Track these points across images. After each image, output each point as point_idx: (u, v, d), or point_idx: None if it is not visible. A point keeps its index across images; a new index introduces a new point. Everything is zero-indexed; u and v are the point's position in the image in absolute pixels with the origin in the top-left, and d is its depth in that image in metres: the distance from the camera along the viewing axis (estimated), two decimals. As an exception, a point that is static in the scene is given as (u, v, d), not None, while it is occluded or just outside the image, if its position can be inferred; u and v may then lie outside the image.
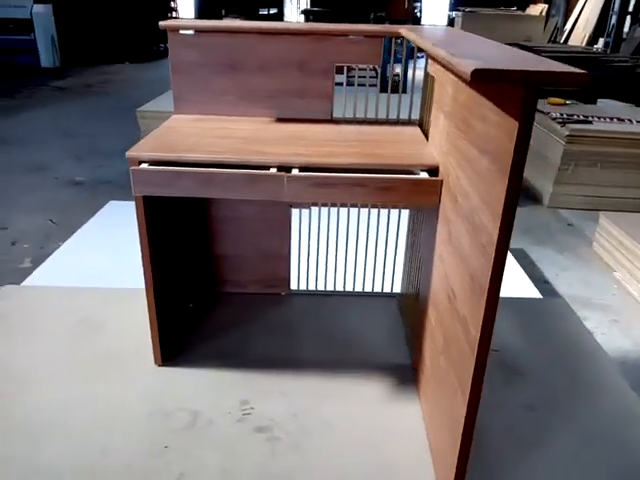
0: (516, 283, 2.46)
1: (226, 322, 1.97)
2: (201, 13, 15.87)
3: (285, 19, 16.90)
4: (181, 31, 1.73)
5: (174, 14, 15.77)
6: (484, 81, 0.85)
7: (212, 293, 2.14)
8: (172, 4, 15.74)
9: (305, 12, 15.44)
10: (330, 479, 1.35)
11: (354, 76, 1.81)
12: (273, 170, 1.40)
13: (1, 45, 9.75)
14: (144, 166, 1.41)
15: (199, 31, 1.74)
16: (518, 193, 0.88)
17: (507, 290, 2.28)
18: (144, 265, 1.58)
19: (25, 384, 1.64)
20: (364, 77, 1.90)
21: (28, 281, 2.37)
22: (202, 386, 1.66)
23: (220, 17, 12.10)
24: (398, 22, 5.74)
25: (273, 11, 16.31)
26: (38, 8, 10.58)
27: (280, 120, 1.80)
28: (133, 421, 1.52)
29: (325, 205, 1.95)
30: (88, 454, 1.40)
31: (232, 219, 2.04)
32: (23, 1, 10.37)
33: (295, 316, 2.04)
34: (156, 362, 1.73)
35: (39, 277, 2.40)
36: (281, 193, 1.39)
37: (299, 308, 2.09)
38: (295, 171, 1.39)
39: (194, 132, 1.64)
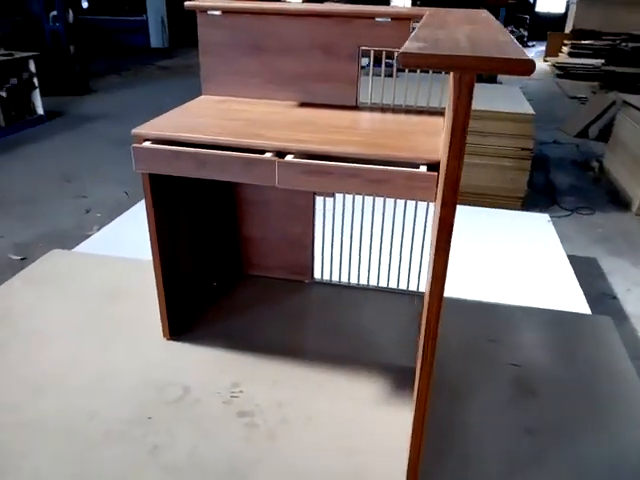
0: (566, 295, 2.26)
1: (244, 304, 1.98)
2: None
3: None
4: (209, 12, 1.74)
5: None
6: (414, 65, 0.77)
7: (237, 274, 2.16)
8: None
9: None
10: (291, 474, 1.32)
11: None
12: (268, 155, 1.37)
13: (116, 25, 10.43)
14: (146, 144, 1.44)
15: (225, 12, 1.73)
16: (452, 198, 0.79)
17: (552, 302, 2.12)
18: (151, 239, 1.62)
19: (39, 340, 1.75)
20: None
21: (79, 247, 2.53)
22: (201, 364, 1.69)
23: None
24: (494, 7, 5.43)
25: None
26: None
27: (302, 105, 1.76)
28: (126, 389, 1.57)
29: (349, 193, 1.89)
30: (74, 414, 1.47)
31: (260, 202, 2.04)
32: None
33: (311, 306, 2.02)
34: (164, 336, 1.78)
35: (90, 245, 2.55)
36: (273, 179, 1.36)
37: (317, 298, 2.05)
38: (289, 157, 1.35)
39: (208, 113, 1.65)
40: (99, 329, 1.82)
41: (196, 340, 1.79)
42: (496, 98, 4.10)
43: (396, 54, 0.90)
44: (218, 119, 1.59)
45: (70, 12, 6.83)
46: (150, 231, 1.61)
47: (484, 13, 1.50)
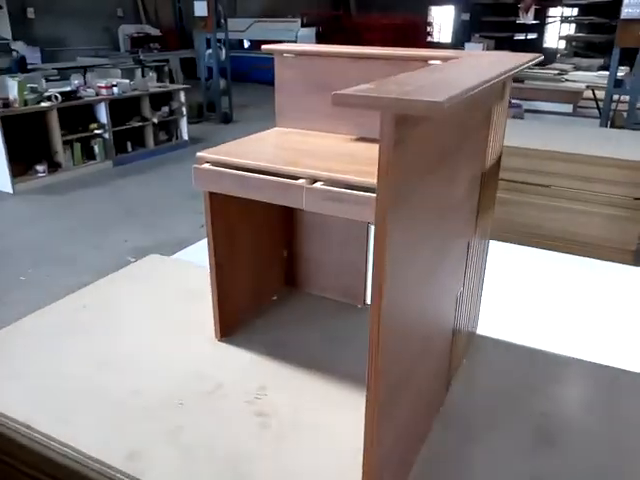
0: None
1: (293, 318, 2.14)
2: (457, 37, 16.04)
3: (545, 45, 16.07)
4: (284, 54, 1.97)
5: (429, 38, 16.25)
6: (345, 105, 0.87)
7: (294, 290, 2.33)
8: (429, 28, 16.25)
9: (567, 38, 14.48)
10: (286, 472, 1.43)
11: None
12: (301, 181, 1.53)
13: (262, 62, 11.36)
14: (205, 165, 1.68)
15: (298, 54, 1.94)
16: (383, 218, 0.89)
17: (620, 359, 1.98)
18: (208, 249, 1.85)
19: (117, 326, 2.06)
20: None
21: (177, 254, 2.88)
22: (239, 365, 1.87)
23: (469, 40, 12.11)
24: (629, 49, 5.13)
25: (531, 36, 15.66)
26: (304, 31, 12.01)
27: (359, 139, 1.91)
28: (171, 376, 1.80)
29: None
30: (123, 389, 1.72)
31: (319, 225, 2.20)
32: (292, 26, 11.92)
33: (358, 329, 2.11)
34: (216, 336, 2.00)
35: (186, 253, 2.89)
36: (301, 202, 1.52)
37: (364, 323, 2.14)
38: (318, 184, 1.50)
39: (269, 142, 1.86)
40: (167, 323, 2.09)
41: (242, 344, 1.97)
42: (607, 142, 3.88)
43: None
44: (274, 147, 1.79)
45: (223, 50, 7.65)
46: (208, 241, 1.84)
47: (521, 56, 1.55)
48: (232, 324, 2.02)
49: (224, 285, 1.94)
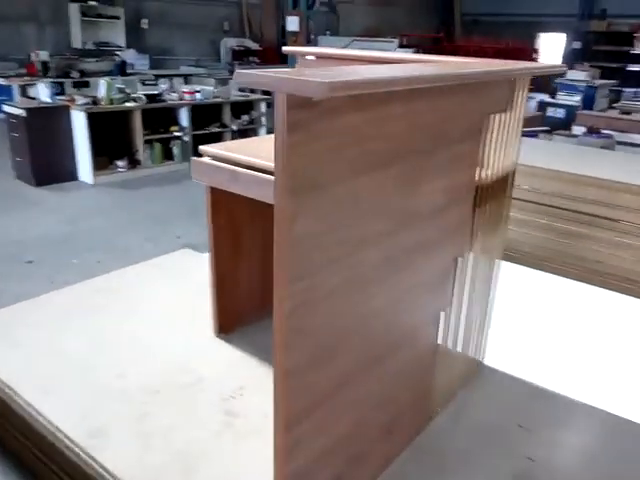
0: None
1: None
2: (567, 59, 15.35)
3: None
4: (306, 57, 1.96)
5: (535, 55, 15.69)
6: (245, 84, 0.84)
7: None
8: (534, 55, 15.73)
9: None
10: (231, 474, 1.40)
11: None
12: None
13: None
14: (204, 159, 1.70)
15: (319, 57, 1.93)
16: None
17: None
18: (209, 248, 1.87)
19: (132, 308, 2.12)
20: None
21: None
22: (226, 362, 1.86)
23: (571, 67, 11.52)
24: None
25: (648, 68, 14.59)
26: (400, 52, 11.98)
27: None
28: (159, 363, 1.82)
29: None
30: (109, 369, 1.77)
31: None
32: (389, 46, 11.91)
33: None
34: (214, 332, 2.00)
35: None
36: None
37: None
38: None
39: (277, 142, 1.84)
40: (173, 314, 2.12)
41: (236, 342, 1.96)
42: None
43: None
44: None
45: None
46: (208, 237, 1.86)
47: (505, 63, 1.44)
48: (232, 322, 2.02)
49: (225, 283, 1.94)
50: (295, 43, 7.59)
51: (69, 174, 5.17)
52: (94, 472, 1.41)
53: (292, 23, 7.38)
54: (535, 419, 1.67)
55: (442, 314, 1.50)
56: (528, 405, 1.74)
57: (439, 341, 1.59)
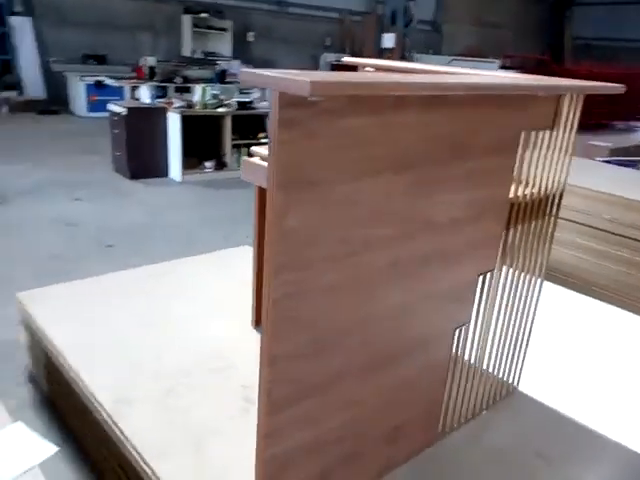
0: None
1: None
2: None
3: None
4: (365, 68, 2.01)
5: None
6: (247, 83, 0.89)
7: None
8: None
9: None
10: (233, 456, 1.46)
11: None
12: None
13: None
14: (252, 159, 1.80)
15: (377, 69, 1.98)
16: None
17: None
18: (253, 245, 1.97)
19: (179, 295, 2.26)
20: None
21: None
22: (256, 354, 1.92)
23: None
24: None
25: None
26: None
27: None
28: (195, 348, 1.93)
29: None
30: (150, 350, 1.90)
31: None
32: (489, 66, 11.63)
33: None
34: (252, 324, 2.09)
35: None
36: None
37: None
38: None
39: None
40: (218, 304, 2.24)
41: (272, 339, 2.03)
42: None
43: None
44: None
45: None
46: (254, 234, 1.96)
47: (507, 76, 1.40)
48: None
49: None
50: (389, 60, 7.65)
51: (160, 170, 5.54)
52: (114, 435, 1.54)
53: (388, 40, 7.46)
54: (557, 450, 1.60)
55: (466, 331, 1.49)
56: (553, 435, 1.67)
57: (465, 357, 1.58)
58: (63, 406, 2.03)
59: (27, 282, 2.77)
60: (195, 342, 1.98)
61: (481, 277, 1.49)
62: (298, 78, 0.84)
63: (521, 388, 1.88)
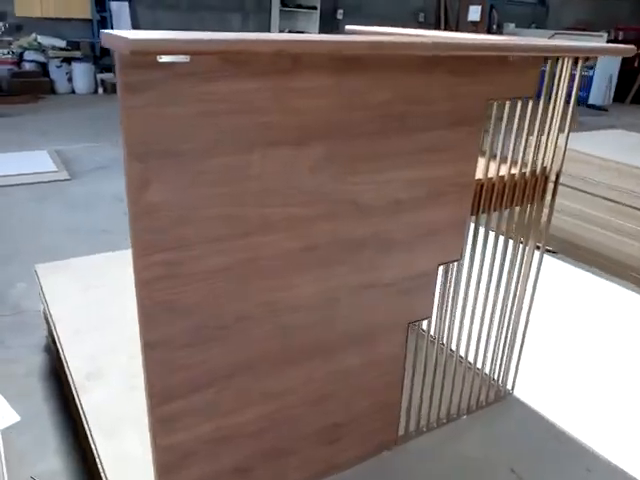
0: None
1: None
2: None
3: None
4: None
5: None
6: (107, 45, 0.81)
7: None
8: None
9: None
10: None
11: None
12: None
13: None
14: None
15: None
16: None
17: None
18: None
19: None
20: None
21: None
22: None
23: None
24: None
25: None
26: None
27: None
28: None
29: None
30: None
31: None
32: (595, 40, 10.66)
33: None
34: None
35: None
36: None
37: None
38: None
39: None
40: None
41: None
42: None
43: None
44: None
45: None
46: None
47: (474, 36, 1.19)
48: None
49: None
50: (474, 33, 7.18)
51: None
52: (76, 409, 1.56)
53: (473, 12, 7.01)
54: (537, 466, 1.41)
55: (428, 326, 1.34)
56: (536, 449, 1.47)
57: (434, 355, 1.42)
58: (62, 377, 2.10)
59: (78, 254, 2.87)
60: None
61: (442, 268, 1.32)
62: (122, 35, 0.75)
63: (519, 393, 1.68)
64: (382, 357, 1.32)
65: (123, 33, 0.78)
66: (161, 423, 1.05)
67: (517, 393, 1.68)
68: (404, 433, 1.48)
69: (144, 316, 0.97)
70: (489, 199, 1.33)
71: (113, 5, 9.30)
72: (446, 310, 1.41)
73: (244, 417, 1.16)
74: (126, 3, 9.47)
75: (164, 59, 0.82)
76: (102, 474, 1.29)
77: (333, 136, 1.03)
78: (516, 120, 1.31)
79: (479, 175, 1.29)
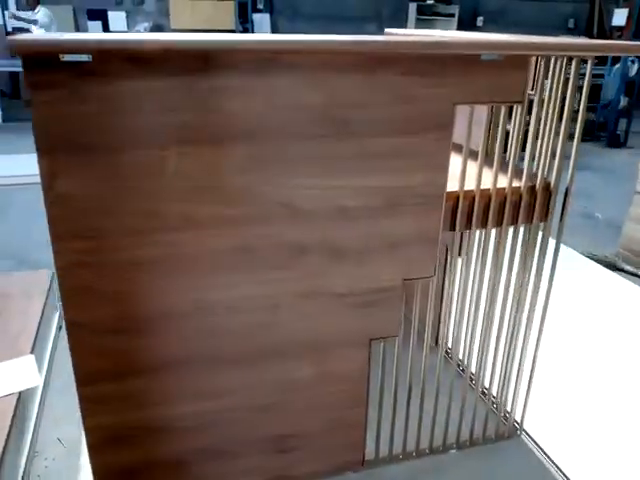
0: None
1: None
2: None
3: None
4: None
5: None
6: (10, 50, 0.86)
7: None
8: None
9: None
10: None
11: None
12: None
13: None
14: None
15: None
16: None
17: None
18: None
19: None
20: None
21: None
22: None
23: None
24: None
25: None
26: None
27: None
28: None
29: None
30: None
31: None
32: None
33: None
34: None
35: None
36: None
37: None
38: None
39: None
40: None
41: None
42: None
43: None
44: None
45: (636, 65, 6.60)
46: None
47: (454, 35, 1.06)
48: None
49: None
50: (620, 39, 6.51)
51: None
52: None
53: (619, 16, 6.36)
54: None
55: (397, 344, 1.25)
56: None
57: (412, 379, 1.33)
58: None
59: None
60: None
61: (405, 284, 1.22)
62: (24, 38, 0.81)
63: (527, 432, 1.50)
64: (339, 372, 1.26)
65: (25, 36, 0.84)
66: (86, 403, 1.11)
67: (525, 433, 1.50)
68: (374, 457, 1.39)
69: (65, 298, 1.02)
70: (468, 214, 1.21)
71: (256, 17, 9.89)
72: (413, 329, 1.30)
73: (176, 411, 1.17)
74: (267, 15, 10.02)
75: (66, 58, 0.87)
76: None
77: (259, 137, 1.01)
78: (512, 126, 1.17)
79: (453, 187, 1.18)
